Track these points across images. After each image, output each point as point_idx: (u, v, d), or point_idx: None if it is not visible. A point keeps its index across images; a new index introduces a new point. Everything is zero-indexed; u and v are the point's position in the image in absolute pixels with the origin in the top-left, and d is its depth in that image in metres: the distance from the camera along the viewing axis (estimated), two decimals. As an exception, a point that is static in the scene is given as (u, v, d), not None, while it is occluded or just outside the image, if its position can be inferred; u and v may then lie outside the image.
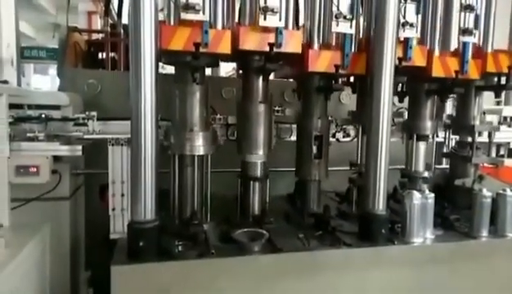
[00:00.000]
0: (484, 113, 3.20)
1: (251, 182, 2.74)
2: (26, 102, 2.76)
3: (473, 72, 2.77)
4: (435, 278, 2.48)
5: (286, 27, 2.41)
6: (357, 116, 3.13)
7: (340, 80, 2.75)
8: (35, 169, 2.51)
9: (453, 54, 2.80)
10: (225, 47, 2.30)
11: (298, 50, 2.43)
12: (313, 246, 2.37)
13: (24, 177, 2.51)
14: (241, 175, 2.78)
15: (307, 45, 2.60)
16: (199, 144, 2.48)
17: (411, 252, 2.45)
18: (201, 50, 2.22)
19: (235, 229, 2.39)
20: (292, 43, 2.40)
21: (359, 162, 3.06)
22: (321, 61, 2.52)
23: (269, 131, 2.74)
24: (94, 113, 2.70)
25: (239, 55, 2.50)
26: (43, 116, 2.65)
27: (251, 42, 2.35)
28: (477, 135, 3.04)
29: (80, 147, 2.65)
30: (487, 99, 3.32)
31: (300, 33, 2.51)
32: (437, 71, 2.70)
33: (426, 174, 2.99)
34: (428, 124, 2.96)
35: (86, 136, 2.68)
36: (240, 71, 3.24)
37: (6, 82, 2.49)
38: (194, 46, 2.20)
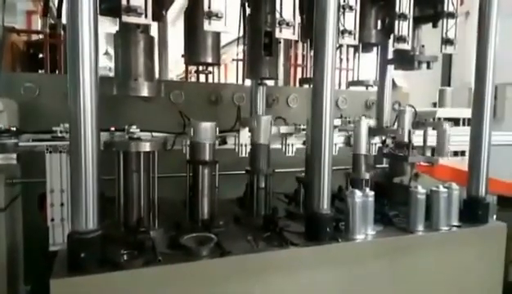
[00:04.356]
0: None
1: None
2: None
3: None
4: (377, 272, 2.61)
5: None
6: (305, 32, 3.11)
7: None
8: (-37, 180, 2.33)
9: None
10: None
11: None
12: (261, 247, 2.40)
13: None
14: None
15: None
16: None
17: (354, 248, 2.57)
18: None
19: (184, 235, 2.37)
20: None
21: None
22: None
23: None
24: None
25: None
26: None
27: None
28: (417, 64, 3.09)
29: (15, 155, 2.49)
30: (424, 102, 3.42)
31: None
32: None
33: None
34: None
35: (21, 144, 2.52)
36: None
37: None
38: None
